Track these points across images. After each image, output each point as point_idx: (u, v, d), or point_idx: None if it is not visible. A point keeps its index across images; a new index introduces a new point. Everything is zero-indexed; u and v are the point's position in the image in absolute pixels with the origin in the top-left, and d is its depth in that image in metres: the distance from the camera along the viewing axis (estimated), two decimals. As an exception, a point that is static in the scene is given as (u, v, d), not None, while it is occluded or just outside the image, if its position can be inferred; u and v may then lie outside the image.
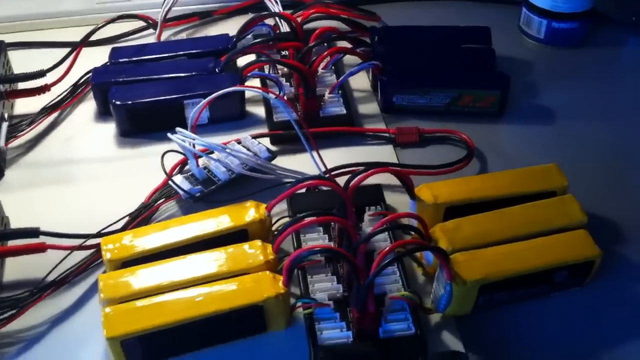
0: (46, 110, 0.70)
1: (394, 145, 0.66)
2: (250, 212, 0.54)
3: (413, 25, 0.75)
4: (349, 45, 0.72)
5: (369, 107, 0.71)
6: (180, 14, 0.83)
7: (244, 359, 0.49)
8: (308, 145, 0.58)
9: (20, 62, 0.74)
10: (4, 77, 0.69)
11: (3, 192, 0.63)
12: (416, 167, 0.61)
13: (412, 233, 0.51)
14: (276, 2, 0.79)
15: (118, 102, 0.66)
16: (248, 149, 0.63)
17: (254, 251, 0.51)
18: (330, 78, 0.72)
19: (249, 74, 0.67)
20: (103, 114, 0.70)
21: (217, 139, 0.65)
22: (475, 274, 0.48)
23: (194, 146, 0.59)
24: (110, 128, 0.69)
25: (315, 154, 0.59)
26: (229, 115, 0.69)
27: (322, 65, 0.70)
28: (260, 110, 0.70)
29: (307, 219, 0.50)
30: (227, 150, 0.58)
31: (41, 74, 0.70)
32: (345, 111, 0.67)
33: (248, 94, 0.70)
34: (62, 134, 0.69)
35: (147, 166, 0.63)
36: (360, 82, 0.73)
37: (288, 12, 0.76)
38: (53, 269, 0.54)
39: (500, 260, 0.49)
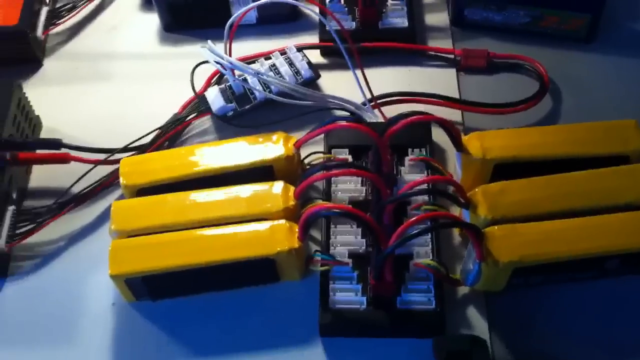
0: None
1: (457, 69, 0.59)
2: (278, 146, 0.50)
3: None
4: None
5: (438, 18, 0.63)
6: None
7: (254, 306, 0.47)
8: (352, 66, 0.53)
9: None
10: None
11: (39, 84, 0.61)
12: (474, 104, 0.54)
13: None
14: None
15: (159, -7, 0.61)
16: (291, 63, 0.57)
17: (275, 193, 0.47)
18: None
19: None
20: (149, 2, 0.66)
21: (262, 45, 0.61)
22: (511, 254, 0.43)
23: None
24: (154, 20, 0.65)
25: (360, 76, 0.53)
26: (280, 15, 0.63)
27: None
28: (315, 12, 0.64)
29: (331, 172, 0.46)
30: (259, 75, 0.53)
31: (84, -45, 0.66)
32: (407, 24, 0.60)
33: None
34: (105, 23, 0.66)
35: (188, 68, 0.59)
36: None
37: None
38: (76, 181, 0.53)
39: (543, 239, 0.43)
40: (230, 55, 0.55)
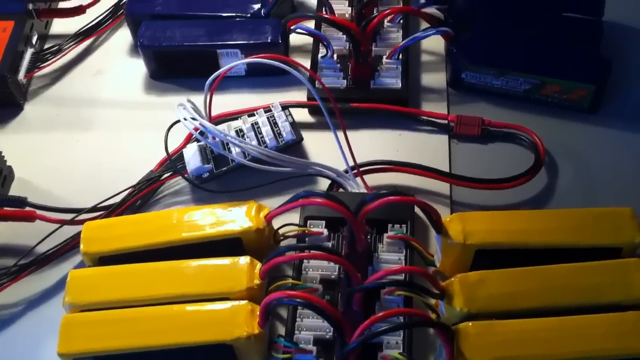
0: (77, 37, 0.65)
1: (450, 135, 0.56)
2: (248, 217, 0.48)
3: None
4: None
5: (435, 78, 0.60)
6: None
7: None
8: (334, 130, 0.51)
9: None
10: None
11: (18, 130, 0.60)
12: (463, 179, 0.52)
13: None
14: None
15: (146, 43, 0.60)
16: (275, 122, 0.55)
17: (239, 271, 0.45)
18: (395, 35, 0.62)
19: (292, 27, 0.59)
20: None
21: (249, 98, 0.59)
22: (484, 355, 0.40)
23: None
24: (142, 65, 0.63)
25: (344, 141, 0.51)
26: (270, 69, 0.61)
27: (387, 19, 0.60)
28: (307, 63, 0.62)
29: (298, 254, 0.44)
30: (233, 141, 0.51)
31: (74, -6, 0.64)
32: (400, 85, 0.58)
33: (296, 41, 0.62)
34: (91, 67, 0.65)
35: (171, 120, 0.57)
36: (434, 43, 0.62)
37: None
38: (40, 242, 0.51)
39: (521, 340, 0.41)
40: (210, 112, 0.54)
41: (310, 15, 0.58)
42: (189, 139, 0.56)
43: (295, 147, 0.55)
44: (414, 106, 0.58)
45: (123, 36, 0.66)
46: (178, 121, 0.53)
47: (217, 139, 0.54)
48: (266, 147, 0.54)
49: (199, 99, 0.59)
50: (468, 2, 0.59)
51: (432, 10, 0.60)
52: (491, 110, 0.57)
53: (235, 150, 0.53)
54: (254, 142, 0.54)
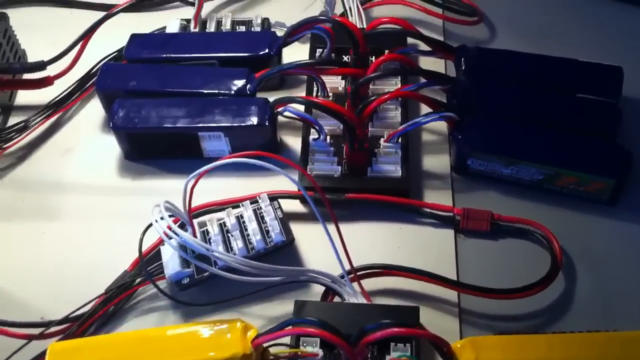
0: (44, 112, 0.60)
1: (456, 230, 0.52)
2: (233, 340, 0.43)
3: (515, 50, 0.58)
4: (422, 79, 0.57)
5: (438, 162, 0.56)
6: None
7: None
8: (326, 231, 0.46)
9: (32, 28, 0.66)
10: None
11: (-22, 219, 0.55)
12: (472, 288, 0.48)
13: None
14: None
15: (119, 125, 0.55)
16: (262, 217, 0.51)
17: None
18: (393, 114, 0.58)
19: (280, 110, 0.54)
20: (112, 121, 0.60)
21: (234, 184, 0.55)
22: None
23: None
24: (116, 143, 0.58)
25: (338, 241, 0.47)
26: (257, 149, 0.57)
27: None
28: (298, 144, 0.58)
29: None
30: (217, 255, 0.46)
31: (40, 66, 0.60)
32: (400, 173, 0.54)
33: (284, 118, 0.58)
34: (60, 144, 0.60)
35: (148, 207, 0.53)
36: (437, 123, 0.58)
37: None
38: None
39: None
40: (190, 214, 0.49)
41: (300, 100, 0.54)
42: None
43: (284, 249, 0.50)
44: (415, 195, 0.54)
45: (94, 109, 0.61)
46: (150, 226, 0.49)
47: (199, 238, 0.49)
48: (253, 248, 0.49)
49: (178, 184, 0.55)
50: (473, 82, 0.56)
51: (434, 89, 0.56)
52: (501, 200, 0.53)
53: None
54: (240, 243, 0.49)
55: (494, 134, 0.52)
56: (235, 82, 0.57)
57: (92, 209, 0.55)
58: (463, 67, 0.56)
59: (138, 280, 0.49)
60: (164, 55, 0.60)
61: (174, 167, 0.57)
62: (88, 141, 0.60)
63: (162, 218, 0.47)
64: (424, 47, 0.60)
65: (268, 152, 0.54)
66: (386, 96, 0.52)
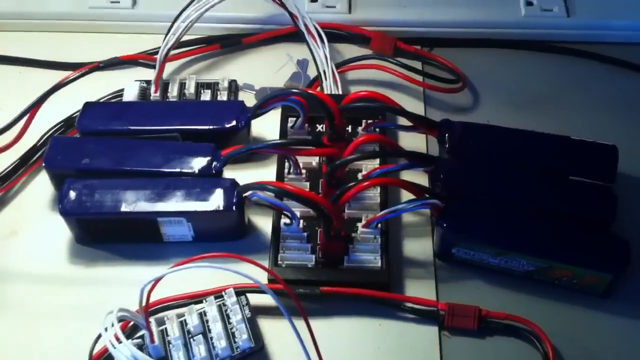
0: (-13, 189, 0.57)
1: (440, 327, 0.50)
2: None
3: (503, 126, 0.57)
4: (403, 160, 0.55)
5: (420, 247, 0.54)
6: (198, 36, 0.67)
7: None
8: (298, 336, 0.44)
9: None
10: None
11: None
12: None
13: None
14: (320, 40, 0.63)
15: (68, 209, 0.52)
16: (228, 317, 0.48)
17: None
18: (372, 194, 0.55)
19: (248, 195, 0.52)
20: (62, 199, 0.57)
21: (197, 272, 0.51)
22: None
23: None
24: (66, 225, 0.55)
25: (311, 345, 0.44)
26: (222, 234, 0.54)
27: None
28: (268, 226, 0.55)
29: None
30: None
31: (-17, 139, 0.57)
32: (379, 264, 0.51)
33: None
34: (3, 226, 0.57)
35: (102, 300, 0.50)
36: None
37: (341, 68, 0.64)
38: None
39: None
40: (147, 317, 0.46)
41: (271, 188, 0.51)
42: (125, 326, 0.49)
43: (252, 357, 0.47)
44: (396, 286, 0.52)
45: (42, 186, 0.58)
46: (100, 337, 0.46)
47: (155, 342, 0.46)
48: (217, 356, 0.47)
49: (135, 272, 0.52)
50: (458, 163, 0.54)
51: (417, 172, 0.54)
52: (488, 291, 0.51)
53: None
54: (203, 350, 0.46)
55: (481, 223, 0.50)
56: (200, 159, 0.54)
57: (39, 301, 0.52)
58: (447, 145, 0.54)
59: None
60: (121, 128, 0.57)
61: (132, 253, 0.54)
62: (35, 222, 0.56)
63: (112, 325, 0.44)
64: (404, 120, 0.57)
65: (235, 238, 0.53)
66: (365, 183, 0.50)
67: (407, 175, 0.55)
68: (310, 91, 0.56)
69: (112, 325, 0.43)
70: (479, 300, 0.50)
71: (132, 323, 0.48)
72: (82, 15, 0.68)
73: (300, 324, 0.43)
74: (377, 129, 0.58)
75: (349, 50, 0.68)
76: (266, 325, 0.49)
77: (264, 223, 0.55)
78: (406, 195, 0.54)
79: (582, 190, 0.51)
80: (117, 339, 0.43)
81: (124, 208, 0.51)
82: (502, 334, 0.49)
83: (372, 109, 0.58)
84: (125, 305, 0.46)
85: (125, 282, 0.52)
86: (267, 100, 0.56)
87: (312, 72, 0.66)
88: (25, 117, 0.57)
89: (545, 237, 0.49)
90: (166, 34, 0.63)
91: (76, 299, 0.52)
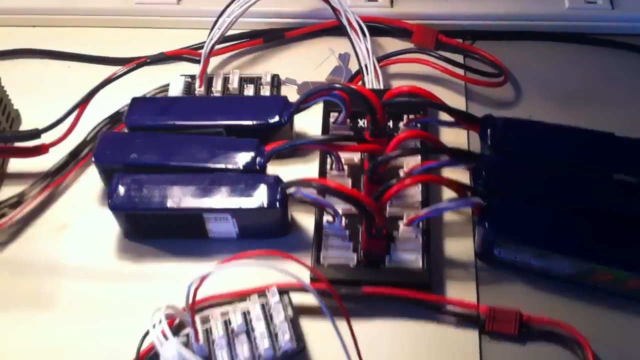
0: (40, 183, 0.58)
1: (480, 331, 0.49)
2: None
3: (544, 121, 0.55)
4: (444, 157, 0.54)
5: (462, 248, 0.53)
6: (241, 30, 0.67)
7: None
8: (340, 338, 0.43)
9: (26, 85, 0.63)
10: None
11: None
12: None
13: None
14: (362, 33, 0.62)
15: (117, 204, 0.53)
16: (270, 318, 0.48)
17: None
18: (413, 192, 0.55)
19: (291, 191, 0.52)
20: (112, 193, 0.57)
21: (242, 270, 0.51)
22: None
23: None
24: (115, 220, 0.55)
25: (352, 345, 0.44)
26: (266, 231, 0.54)
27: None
28: (311, 223, 0.55)
29: None
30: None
31: (34, 134, 0.57)
32: (420, 264, 0.51)
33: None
34: (55, 220, 0.57)
35: (150, 294, 0.52)
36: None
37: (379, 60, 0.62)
38: None
39: None
40: (193, 315, 0.46)
41: (313, 184, 0.51)
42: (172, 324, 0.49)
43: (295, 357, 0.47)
44: (437, 288, 0.51)
45: (91, 180, 0.58)
46: (147, 334, 0.46)
47: (200, 340, 0.47)
48: (260, 357, 0.47)
49: (181, 267, 0.53)
50: (501, 160, 0.53)
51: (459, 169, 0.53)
52: (530, 295, 0.50)
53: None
54: (246, 350, 0.46)
55: (523, 222, 0.49)
56: (244, 155, 0.54)
57: (89, 296, 0.53)
58: (489, 141, 0.53)
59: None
60: (167, 123, 0.57)
61: (178, 249, 0.54)
62: (85, 216, 0.57)
63: (160, 322, 0.44)
64: (445, 115, 0.56)
65: (279, 234, 0.53)
66: (407, 181, 0.49)
67: (449, 172, 0.54)
68: (352, 86, 0.55)
69: (160, 322, 0.43)
70: (520, 303, 0.49)
71: (177, 320, 0.48)
72: (129, 11, 0.68)
73: (341, 323, 0.43)
74: (419, 125, 0.57)
75: (391, 44, 0.67)
76: (308, 325, 0.49)
77: (307, 220, 0.55)
78: (448, 193, 0.54)
79: (627, 189, 0.50)
80: (165, 336, 0.42)
81: (171, 204, 0.52)
82: (543, 339, 0.48)
83: (414, 104, 0.57)
84: (171, 301, 0.46)
85: (172, 278, 0.52)
86: (310, 95, 0.56)
87: (353, 66, 0.65)
88: (75, 113, 0.57)
89: (588, 237, 0.48)
90: (211, 29, 0.62)
91: (124, 294, 0.53)
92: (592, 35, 0.66)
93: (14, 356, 0.50)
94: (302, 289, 0.50)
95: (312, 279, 0.50)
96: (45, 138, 0.58)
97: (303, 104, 0.57)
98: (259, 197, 0.51)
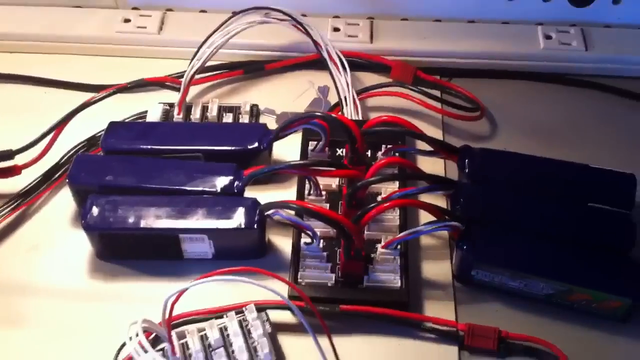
0: (10, 204, 0.58)
1: (460, 347, 0.50)
2: None
3: (520, 153, 0.57)
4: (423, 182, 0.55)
5: (439, 269, 0.55)
6: (221, 61, 0.68)
7: None
8: (320, 351, 0.44)
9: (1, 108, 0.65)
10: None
11: None
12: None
13: None
14: (342, 67, 0.64)
15: (91, 224, 0.53)
16: (249, 333, 0.48)
17: None
18: (391, 216, 0.56)
19: (268, 213, 0.52)
20: (84, 215, 0.57)
21: (217, 289, 0.52)
22: None
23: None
24: (87, 240, 0.56)
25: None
26: (243, 252, 0.55)
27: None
28: (287, 245, 0.55)
29: None
30: None
31: (8, 155, 0.58)
32: (399, 283, 0.52)
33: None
34: (26, 240, 0.57)
35: (123, 317, 0.49)
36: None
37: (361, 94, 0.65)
38: None
39: None
40: (169, 329, 0.46)
41: (293, 206, 0.52)
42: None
43: (274, 372, 0.47)
44: (415, 307, 0.52)
45: (64, 201, 0.59)
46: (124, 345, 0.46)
47: (178, 355, 0.47)
48: (238, 370, 0.47)
49: (155, 288, 0.53)
50: (479, 188, 0.54)
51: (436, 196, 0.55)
52: (507, 314, 0.51)
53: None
54: (224, 364, 0.46)
55: (502, 246, 0.51)
56: (222, 179, 0.55)
57: (60, 315, 0.53)
58: (467, 170, 0.55)
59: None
60: (145, 147, 0.58)
61: (151, 269, 0.55)
62: (56, 237, 0.57)
63: (137, 336, 0.44)
64: (423, 145, 0.58)
65: (256, 256, 0.54)
66: (387, 204, 0.50)
67: (426, 199, 0.55)
68: (333, 115, 0.57)
69: (137, 335, 0.43)
70: (498, 323, 0.50)
71: (152, 335, 0.48)
72: (109, 39, 0.70)
73: (321, 341, 0.43)
74: (397, 154, 0.59)
75: (369, 79, 0.69)
76: (285, 341, 0.49)
77: (283, 243, 0.56)
78: (424, 219, 0.55)
79: (601, 217, 0.52)
80: (143, 348, 0.42)
81: (147, 224, 0.52)
82: (521, 355, 0.49)
83: (394, 133, 0.59)
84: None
85: (145, 298, 0.53)
86: (291, 122, 0.57)
87: (332, 99, 0.67)
88: (50, 135, 0.58)
89: (565, 261, 0.50)
90: (192, 59, 0.64)
91: (96, 313, 0.52)
92: (566, 75, 0.69)
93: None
94: (279, 307, 0.50)
95: (291, 297, 0.50)
96: (19, 160, 0.58)
97: (283, 131, 0.58)
98: (237, 218, 0.52)
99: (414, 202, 0.53)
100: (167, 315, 0.45)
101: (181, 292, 0.44)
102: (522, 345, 0.49)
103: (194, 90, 0.67)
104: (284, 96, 0.67)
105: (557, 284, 0.49)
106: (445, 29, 0.71)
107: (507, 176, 0.55)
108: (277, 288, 0.46)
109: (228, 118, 0.64)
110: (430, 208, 0.51)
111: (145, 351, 0.43)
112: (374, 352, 0.50)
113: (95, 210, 0.53)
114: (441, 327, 0.50)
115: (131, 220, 0.52)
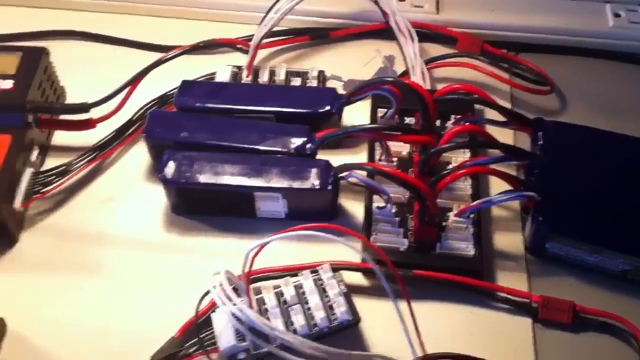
0: (88, 156, 0.59)
1: (534, 319, 0.50)
2: None
3: (593, 127, 0.57)
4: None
5: (511, 241, 0.55)
6: (288, 27, 0.69)
7: None
8: (398, 312, 0.45)
9: (73, 64, 0.65)
10: (32, 104, 0.57)
11: (10, 269, 0.53)
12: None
13: None
14: (410, 37, 0.65)
15: (168, 179, 0.54)
16: (324, 291, 0.49)
17: None
18: (463, 185, 0.56)
19: (342, 175, 0.53)
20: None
21: (289, 248, 0.53)
22: None
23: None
24: (162, 194, 0.56)
25: (410, 323, 0.45)
26: (315, 213, 0.56)
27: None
28: (358, 209, 0.56)
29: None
30: (280, 336, 0.44)
31: (83, 108, 0.59)
32: (472, 252, 0.52)
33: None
34: (102, 192, 0.58)
35: (197, 268, 0.52)
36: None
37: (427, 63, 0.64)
38: None
39: None
40: (248, 282, 0.47)
41: (368, 168, 0.52)
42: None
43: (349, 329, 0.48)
44: (488, 277, 0.52)
45: (138, 156, 0.60)
46: (207, 293, 0.47)
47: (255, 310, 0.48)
48: (315, 326, 0.47)
49: (227, 244, 0.54)
50: (553, 160, 0.54)
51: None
52: (582, 289, 0.52)
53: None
54: (301, 319, 0.47)
55: (579, 219, 0.51)
56: (295, 140, 0.55)
57: (134, 265, 0.54)
58: (540, 142, 0.55)
59: (190, 350, 0.47)
60: (217, 106, 0.59)
61: (224, 225, 0.55)
62: (132, 190, 0.58)
63: (221, 285, 0.45)
64: (493, 115, 0.58)
65: (327, 218, 0.55)
66: (462, 171, 0.51)
67: (498, 169, 0.55)
68: (405, 81, 0.57)
69: (221, 284, 0.44)
70: (572, 297, 0.50)
71: (232, 287, 0.49)
72: (178, 1, 0.70)
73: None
74: (468, 123, 0.59)
75: (434, 50, 0.69)
76: (358, 304, 0.49)
77: (354, 207, 0.56)
78: (495, 190, 0.55)
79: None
80: (228, 297, 0.43)
81: (223, 180, 0.53)
82: (596, 330, 0.50)
83: (464, 102, 0.59)
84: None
85: (219, 252, 0.53)
86: (362, 87, 0.58)
87: (398, 69, 0.67)
88: (125, 91, 0.59)
89: (641, 236, 0.50)
90: (260, 23, 0.64)
91: (170, 266, 0.53)
92: (635, 54, 0.68)
93: (62, 321, 0.50)
94: (353, 268, 0.51)
95: (363, 260, 0.51)
96: (93, 114, 0.59)
97: (354, 96, 0.59)
98: (312, 178, 0.53)
99: (491, 169, 0.53)
100: (247, 269, 0.46)
101: (262, 245, 0.45)
102: (597, 321, 0.50)
103: (260, 54, 0.67)
104: (349, 64, 0.67)
105: (636, 260, 0.49)
106: (512, 3, 0.71)
107: (582, 150, 0.55)
108: (348, 251, 0.47)
109: (296, 82, 0.64)
110: (506, 177, 0.52)
111: (231, 300, 0.43)
112: (448, 319, 0.50)
113: (172, 165, 0.54)
114: (515, 297, 0.51)
115: (208, 176, 0.53)
